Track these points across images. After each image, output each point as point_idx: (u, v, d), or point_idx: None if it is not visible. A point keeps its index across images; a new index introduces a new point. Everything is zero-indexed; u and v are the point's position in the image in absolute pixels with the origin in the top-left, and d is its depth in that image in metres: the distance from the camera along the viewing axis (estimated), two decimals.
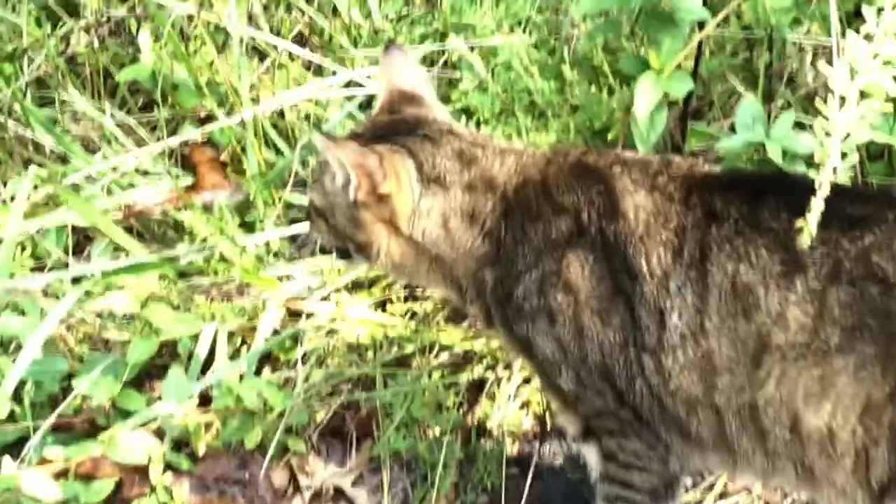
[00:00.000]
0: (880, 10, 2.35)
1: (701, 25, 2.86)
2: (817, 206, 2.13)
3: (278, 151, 3.47)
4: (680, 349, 2.30)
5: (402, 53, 2.63)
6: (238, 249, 3.16)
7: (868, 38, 2.29)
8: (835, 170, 2.15)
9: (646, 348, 2.33)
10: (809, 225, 2.11)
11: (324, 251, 3.27)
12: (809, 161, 2.49)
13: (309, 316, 3.17)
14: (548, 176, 2.43)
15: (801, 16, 2.98)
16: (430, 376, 3.05)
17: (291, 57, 3.62)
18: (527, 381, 3.03)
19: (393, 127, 2.52)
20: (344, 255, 2.59)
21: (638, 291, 2.32)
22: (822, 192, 2.13)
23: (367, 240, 2.51)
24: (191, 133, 3.46)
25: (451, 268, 2.49)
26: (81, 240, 3.49)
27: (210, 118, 3.55)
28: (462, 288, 2.52)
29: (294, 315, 3.21)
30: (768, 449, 2.30)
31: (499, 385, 3.04)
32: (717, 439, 2.35)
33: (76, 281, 3.06)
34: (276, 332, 3.16)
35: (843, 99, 2.20)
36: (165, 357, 3.22)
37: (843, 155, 2.18)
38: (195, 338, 3.13)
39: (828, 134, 2.17)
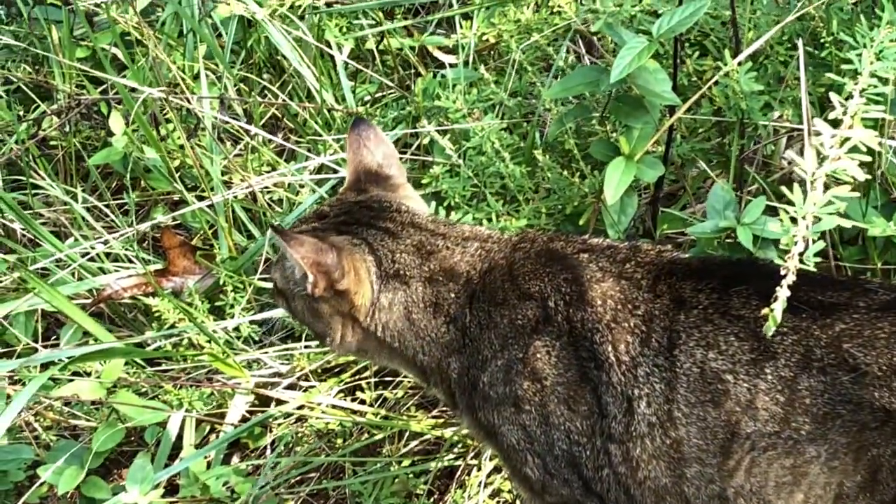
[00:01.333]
0: (848, 96, 2.37)
1: (672, 110, 2.87)
2: (783, 293, 2.11)
3: (250, 236, 3.46)
4: (648, 438, 2.28)
5: (370, 128, 2.62)
6: (206, 336, 3.13)
7: (835, 124, 2.30)
8: (802, 256, 2.15)
9: (612, 437, 2.31)
10: (775, 312, 2.09)
11: (293, 337, 3.26)
12: (781, 246, 2.48)
13: (279, 403, 3.14)
14: (514, 262, 2.42)
15: (773, 101, 2.98)
16: (399, 464, 3.02)
17: (264, 141, 3.63)
18: (498, 469, 3.00)
19: (357, 213, 2.51)
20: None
21: (604, 380, 2.30)
22: (788, 278, 2.12)
23: (326, 330, 2.50)
24: (159, 218, 3.45)
25: (414, 355, 2.48)
26: (52, 325, 3.48)
27: (182, 202, 3.55)
28: (426, 373, 2.50)
29: (264, 401, 3.19)
30: None
31: (469, 473, 3.01)
32: None
33: (44, 367, 3.03)
34: (244, 420, 3.13)
35: (811, 184, 2.20)
36: (134, 444, 3.20)
37: (812, 241, 2.17)
38: (163, 425, 3.09)
39: (793, 220, 2.16)
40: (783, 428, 2.20)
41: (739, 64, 2.82)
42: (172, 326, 3.20)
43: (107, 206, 3.60)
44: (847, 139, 2.26)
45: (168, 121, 3.65)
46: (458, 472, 3.03)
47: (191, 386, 3.12)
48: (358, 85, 3.79)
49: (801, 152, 2.25)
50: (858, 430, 2.18)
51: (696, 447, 2.25)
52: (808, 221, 2.17)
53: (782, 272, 2.13)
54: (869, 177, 2.55)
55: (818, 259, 2.16)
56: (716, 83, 2.88)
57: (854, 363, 2.19)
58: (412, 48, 3.77)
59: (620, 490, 2.33)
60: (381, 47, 3.81)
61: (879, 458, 2.18)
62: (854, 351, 2.20)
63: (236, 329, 3.27)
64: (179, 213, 3.46)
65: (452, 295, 2.43)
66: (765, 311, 2.12)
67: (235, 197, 3.43)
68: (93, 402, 3.11)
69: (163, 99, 3.51)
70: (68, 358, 2.92)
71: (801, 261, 2.14)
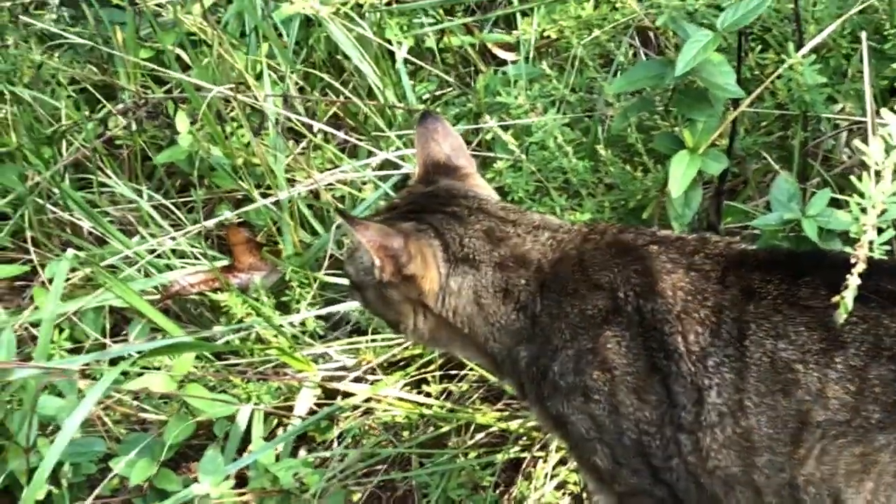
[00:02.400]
0: None
1: (735, 103, 2.88)
2: (853, 281, 2.13)
3: (314, 232, 3.51)
4: (718, 427, 2.30)
5: (438, 122, 2.64)
6: (274, 330, 3.18)
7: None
8: (871, 245, 2.16)
9: (682, 427, 2.33)
10: (846, 301, 2.11)
11: (359, 330, 3.30)
12: (846, 238, 2.50)
13: (345, 396, 3.18)
14: (584, 253, 2.44)
15: (836, 94, 3.00)
16: (465, 456, 3.05)
17: (327, 138, 3.67)
18: (563, 461, 3.03)
19: (425, 201, 2.54)
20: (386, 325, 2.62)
21: (674, 370, 2.32)
22: (858, 267, 2.14)
23: (397, 317, 2.53)
24: (226, 214, 3.50)
25: (485, 342, 2.50)
26: (119, 321, 3.54)
27: (246, 199, 3.60)
28: (497, 362, 2.53)
29: (330, 395, 3.23)
30: None
31: (535, 465, 3.04)
32: None
33: (113, 362, 3.08)
34: (312, 413, 3.17)
35: (878, 174, 2.22)
36: (203, 437, 3.24)
37: (879, 231, 2.18)
38: (232, 418, 3.14)
39: (863, 210, 2.18)
40: (854, 416, 2.21)
41: (803, 57, 2.83)
42: (240, 321, 3.24)
43: (173, 203, 3.66)
44: None
45: (233, 119, 3.70)
46: (524, 464, 3.06)
47: (259, 380, 3.16)
48: (417, 83, 3.83)
49: (866, 142, 2.25)
50: None
51: (767, 436, 2.26)
52: (877, 210, 2.19)
53: (852, 261, 2.15)
54: None
55: (887, 247, 2.18)
56: (779, 76, 2.89)
57: None
58: (472, 45, 3.80)
59: (690, 479, 2.35)
60: (440, 45, 3.84)
61: None
62: None
63: (302, 324, 3.32)
64: (244, 210, 3.51)
65: (522, 282, 2.45)
66: (836, 298, 2.13)
67: (300, 194, 3.47)
68: (161, 397, 3.15)
69: (229, 97, 3.55)
70: (138, 353, 2.96)
71: (870, 249, 2.16)
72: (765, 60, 3.06)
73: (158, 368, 3.11)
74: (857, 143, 2.27)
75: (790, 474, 2.26)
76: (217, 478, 2.83)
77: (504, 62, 3.83)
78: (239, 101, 3.55)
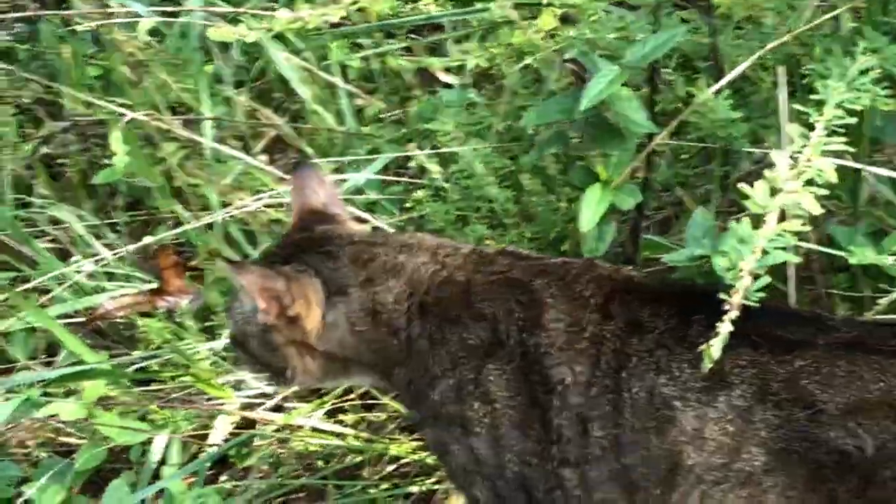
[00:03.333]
0: (811, 126, 2.38)
1: (650, 137, 2.88)
2: (725, 328, 2.13)
3: (245, 256, 3.52)
4: (602, 462, 2.29)
5: (312, 171, 2.67)
6: (192, 356, 3.19)
7: (793, 156, 2.31)
8: (746, 292, 2.16)
9: (567, 462, 2.32)
10: (712, 348, 2.11)
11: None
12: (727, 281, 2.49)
13: (263, 424, 3.19)
14: (469, 280, 2.44)
15: (760, 128, 2.99)
16: (377, 487, 3.06)
17: (272, 160, 3.69)
18: None
19: (301, 245, 2.55)
20: (275, 381, 2.63)
21: (556, 404, 2.32)
22: (731, 314, 2.14)
23: (284, 363, 2.53)
24: (147, 239, 3.52)
25: (373, 367, 2.51)
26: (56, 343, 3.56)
27: (181, 223, 3.62)
28: (390, 382, 2.53)
29: (251, 423, 3.24)
30: None
31: (447, 496, 3.04)
32: None
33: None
34: (229, 440, 3.19)
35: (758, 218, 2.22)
36: (125, 463, 3.26)
37: (756, 276, 2.18)
38: (149, 444, 3.16)
39: (740, 250, 2.18)
40: (733, 459, 2.21)
41: (718, 92, 2.83)
42: (159, 347, 3.26)
43: (111, 224, 3.68)
44: (803, 172, 2.27)
45: (174, 139, 3.72)
46: (436, 497, 3.07)
47: (174, 407, 3.18)
48: (366, 105, 3.85)
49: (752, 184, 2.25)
50: (816, 467, 2.18)
51: (642, 476, 2.26)
52: (757, 254, 2.19)
53: (726, 307, 2.15)
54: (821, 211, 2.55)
55: (761, 294, 2.17)
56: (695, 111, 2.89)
57: (811, 400, 2.20)
58: (413, 70, 3.82)
59: None
60: (383, 67, 3.86)
61: (835, 491, 2.19)
62: (811, 388, 2.21)
63: (225, 349, 3.33)
64: (168, 234, 3.52)
65: (391, 298, 2.44)
66: (702, 347, 2.14)
67: (231, 217, 3.49)
68: (77, 421, 3.17)
69: (152, 121, 3.57)
70: (48, 379, 2.99)
71: (745, 297, 2.16)
72: (691, 91, 3.04)
73: (74, 393, 3.12)
74: (742, 186, 2.27)
75: None
76: None
77: (450, 85, 3.84)
78: (171, 124, 3.56)
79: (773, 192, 2.26)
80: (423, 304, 2.44)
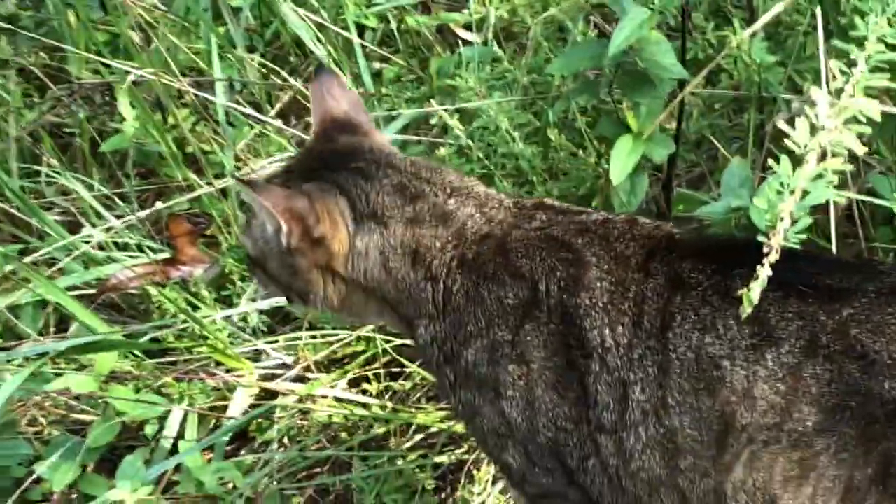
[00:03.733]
0: (852, 63, 2.27)
1: (682, 85, 2.78)
2: (764, 272, 2.02)
3: None
4: (642, 426, 2.19)
5: (333, 77, 2.53)
6: (209, 326, 3.10)
7: (837, 93, 2.20)
8: (786, 233, 2.05)
9: (603, 428, 2.22)
10: (751, 293, 2.01)
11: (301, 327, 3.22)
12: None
13: (284, 395, 3.10)
14: (509, 235, 2.32)
15: (796, 74, 2.88)
16: (405, 459, 2.96)
17: (280, 129, 3.59)
18: None
19: (325, 159, 2.41)
20: (291, 301, 2.49)
21: (595, 368, 2.21)
22: (770, 258, 2.03)
23: (306, 287, 2.40)
24: (159, 205, 3.42)
25: (400, 306, 2.38)
26: (67, 316, 3.47)
27: (193, 189, 3.52)
28: (411, 330, 2.40)
29: (272, 394, 3.15)
30: None
31: (478, 468, 2.94)
32: None
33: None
34: (249, 413, 3.10)
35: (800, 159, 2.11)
36: (140, 440, 3.17)
37: (795, 221, 2.07)
38: (165, 418, 3.07)
39: (779, 193, 2.07)
40: (784, 419, 2.10)
41: (753, 35, 2.72)
42: (174, 317, 3.17)
43: (121, 194, 3.58)
44: (843, 109, 2.16)
45: (185, 105, 3.63)
46: (466, 467, 2.97)
47: (191, 379, 3.09)
48: (385, 67, 3.75)
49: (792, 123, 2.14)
50: (868, 423, 2.07)
51: (691, 438, 2.15)
52: (797, 196, 2.08)
53: (765, 250, 2.04)
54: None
55: (802, 236, 2.07)
56: (731, 57, 2.78)
57: (862, 350, 2.09)
58: (430, 27, 3.70)
59: (608, 481, 2.25)
60: (401, 27, 3.75)
61: (891, 452, 2.08)
62: (863, 338, 2.09)
63: (244, 319, 3.24)
64: (179, 201, 3.43)
65: (438, 244, 2.32)
66: (741, 291, 2.03)
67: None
68: (90, 396, 3.08)
69: (163, 83, 3.47)
70: (56, 351, 2.89)
71: (785, 239, 2.05)
72: (722, 39, 2.94)
73: (85, 368, 3.03)
74: (780, 124, 2.16)
75: (716, 481, 2.15)
76: (136, 483, 2.75)
77: (470, 44, 3.72)
78: (184, 88, 3.46)
79: (814, 130, 2.16)
80: (464, 257, 2.32)
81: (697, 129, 3.01)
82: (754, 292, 2.00)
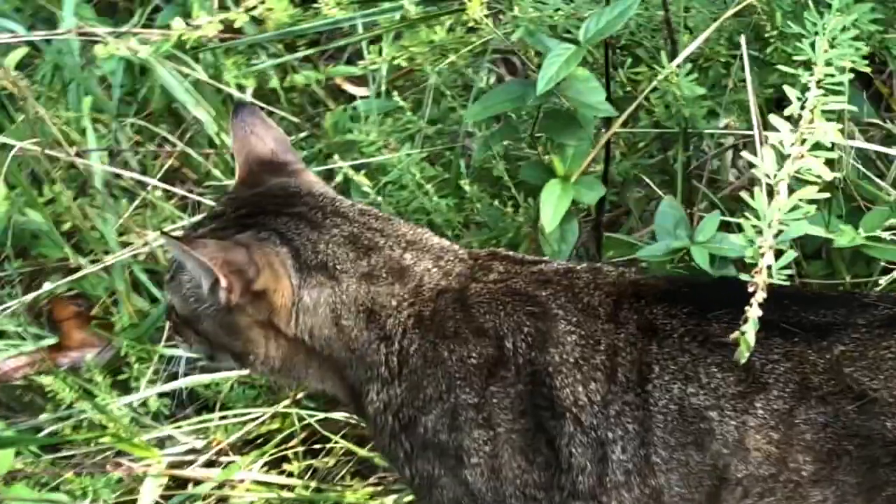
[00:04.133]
0: (804, 88, 2.19)
1: (608, 124, 2.68)
2: (753, 312, 1.91)
3: (153, 299, 3.22)
4: (625, 488, 2.05)
5: (255, 115, 2.35)
6: (108, 415, 2.88)
7: (792, 119, 2.12)
8: (770, 270, 1.95)
9: (577, 494, 2.07)
10: (746, 335, 1.89)
11: (207, 407, 3.01)
12: (741, 264, 2.28)
13: (196, 483, 2.89)
14: (467, 289, 2.17)
15: (717, 107, 2.80)
16: None
17: (169, 195, 3.39)
18: None
19: (258, 205, 2.23)
20: (216, 360, 2.31)
21: (568, 429, 2.07)
22: (758, 296, 1.92)
23: (245, 347, 2.20)
24: (46, 287, 3.20)
25: (345, 368, 2.20)
26: None
27: (79, 269, 3.29)
28: (360, 395, 2.21)
29: (182, 483, 2.94)
30: None
31: None
32: None
33: None
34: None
35: (770, 190, 2.02)
36: None
37: (779, 254, 1.98)
38: None
39: (759, 231, 1.97)
40: (780, 469, 1.99)
41: (678, 67, 2.63)
42: (69, 406, 2.94)
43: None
44: (806, 137, 2.08)
45: (53, 181, 3.40)
46: None
47: (92, 474, 2.86)
48: None
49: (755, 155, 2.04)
50: (869, 467, 1.97)
51: (679, 497, 2.03)
52: (774, 229, 1.98)
53: (750, 289, 1.93)
54: (837, 175, 2.36)
55: (789, 271, 1.97)
56: (654, 90, 2.69)
57: (859, 390, 1.98)
58: (319, 82, 3.55)
59: None
60: (284, 84, 3.58)
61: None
62: (858, 376, 1.99)
63: (143, 405, 3.02)
64: (65, 282, 3.21)
65: (394, 303, 2.15)
66: (734, 334, 1.92)
67: (134, 257, 3.19)
68: None
69: (52, 156, 3.26)
70: None
71: (769, 275, 1.95)
72: (637, 76, 2.83)
73: None
74: (746, 155, 2.07)
75: None
76: None
77: (355, 98, 3.58)
78: (57, 158, 3.25)
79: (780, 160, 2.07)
80: (421, 315, 2.15)
81: (623, 170, 2.90)
82: (749, 335, 1.88)
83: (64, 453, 2.97)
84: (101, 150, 3.36)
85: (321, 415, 2.90)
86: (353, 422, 2.88)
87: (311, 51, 3.54)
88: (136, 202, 3.36)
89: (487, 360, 2.11)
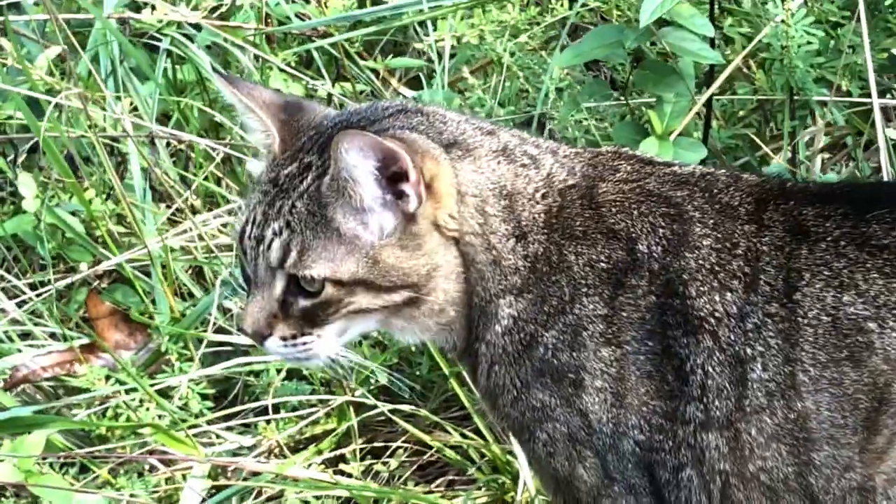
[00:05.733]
0: None
1: (709, 79, 2.50)
2: None
3: (189, 295, 3.06)
4: (767, 412, 1.85)
5: (241, 80, 2.21)
6: (148, 404, 2.69)
7: None
8: None
9: (711, 423, 1.87)
10: None
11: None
12: None
13: (246, 480, 2.67)
14: (595, 188, 1.99)
15: (827, 73, 2.62)
16: None
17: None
18: None
19: (338, 125, 1.99)
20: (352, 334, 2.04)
21: (704, 344, 1.87)
22: None
23: (429, 269, 1.95)
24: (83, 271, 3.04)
25: (479, 283, 1.97)
26: None
27: (114, 271, 3.14)
28: (479, 325, 1.99)
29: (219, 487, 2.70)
30: None
31: None
32: None
33: None
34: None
35: None
36: None
37: None
38: None
39: None
40: None
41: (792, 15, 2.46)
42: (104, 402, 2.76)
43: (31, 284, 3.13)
44: None
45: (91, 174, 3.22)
46: None
47: (129, 473, 2.64)
48: None
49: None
50: None
51: (829, 422, 1.83)
52: None
53: None
54: None
55: None
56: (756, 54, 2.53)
57: None
58: (377, 73, 3.36)
59: (705, 497, 1.90)
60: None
61: None
62: None
63: (184, 407, 2.79)
64: (93, 271, 3.07)
65: (531, 189, 1.96)
66: None
67: (172, 249, 2.99)
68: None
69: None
70: None
71: None
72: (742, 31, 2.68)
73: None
74: None
75: (863, 473, 1.82)
76: None
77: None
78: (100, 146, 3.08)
79: None
80: (549, 211, 1.96)
81: (723, 137, 2.72)
82: None
83: (99, 447, 2.74)
84: (141, 135, 3.18)
85: (387, 406, 2.67)
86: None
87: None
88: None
89: (617, 265, 1.92)
